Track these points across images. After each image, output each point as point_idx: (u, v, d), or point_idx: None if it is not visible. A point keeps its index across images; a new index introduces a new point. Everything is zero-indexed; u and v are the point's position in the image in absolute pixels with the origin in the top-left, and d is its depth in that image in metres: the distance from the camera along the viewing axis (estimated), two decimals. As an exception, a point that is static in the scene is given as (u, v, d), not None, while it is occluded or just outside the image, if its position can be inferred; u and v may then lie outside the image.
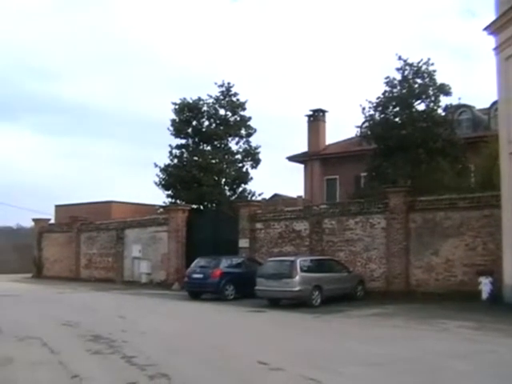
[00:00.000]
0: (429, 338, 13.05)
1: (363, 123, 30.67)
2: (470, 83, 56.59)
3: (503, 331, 13.77)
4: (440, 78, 28.97)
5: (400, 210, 23.24)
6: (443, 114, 29.67)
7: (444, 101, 29.43)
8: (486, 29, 20.48)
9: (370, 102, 29.68)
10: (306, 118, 41.22)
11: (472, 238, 21.57)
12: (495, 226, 20.33)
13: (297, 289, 19.26)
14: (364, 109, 29.81)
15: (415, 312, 17.80)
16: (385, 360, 10.14)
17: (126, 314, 17.43)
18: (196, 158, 34.09)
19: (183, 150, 35.05)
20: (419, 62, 28.91)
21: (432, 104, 29.08)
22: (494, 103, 26.45)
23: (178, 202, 33.03)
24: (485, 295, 19.78)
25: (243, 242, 27.83)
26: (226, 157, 34.54)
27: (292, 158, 41.83)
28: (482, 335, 13.28)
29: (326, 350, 11.32)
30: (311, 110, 41.04)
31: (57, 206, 45.84)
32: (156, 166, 34.31)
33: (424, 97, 28.96)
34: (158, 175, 34.30)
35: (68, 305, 21.06)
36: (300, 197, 39.01)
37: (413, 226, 23.11)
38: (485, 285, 19.89)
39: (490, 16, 20.60)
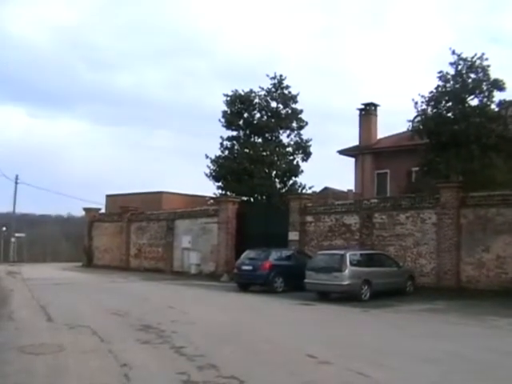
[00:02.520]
0: (480, 334, 13.09)
1: (415, 117, 30.36)
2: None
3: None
4: (494, 73, 28.53)
5: (451, 206, 23.11)
6: (497, 109, 29.18)
7: (498, 96, 28.98)
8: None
9: (422, 96, 29.41)
10: (358, 112, 41.04)
11: (524, 234, 21.35)
12: (547, 223, 20.07)
13: (346, 283, 19.38)
14: (416, 103, 29.54)
15: (465, 308, 17.77)
16: (435, 355, 10.20)
17: (176, 304, 17.67)
18: (247, 150, 34.41)
19: (234, 141, 35.44)
20: (473, 57, 28.50)
21: (485, 99, 28.61)
22: (550, 98, 25.90)
23: (229, 193, 33.40)
24: (537, 293, 19.64)
25: (293, 235, 28.01)
26: (277, 149, 34.76)
27: (343, 152, 41.69)
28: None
29: (375, 344, 11.44)
30: (363, 104, 40.81)
31: (108, 196, 46.67)
32: (207, 157, 34.86)
33: (477, 92, 28.52)
34: (208, 167, 34.83)
35: (118, 294, 21.33)
36: (350, 190, 38.93)
37: (464, 222, 22.96)
38: (536, 282, 19.76)
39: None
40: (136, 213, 37.81)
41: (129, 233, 37.67)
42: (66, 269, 35.87)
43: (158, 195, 41.56)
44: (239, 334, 12.49)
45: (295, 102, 35.14)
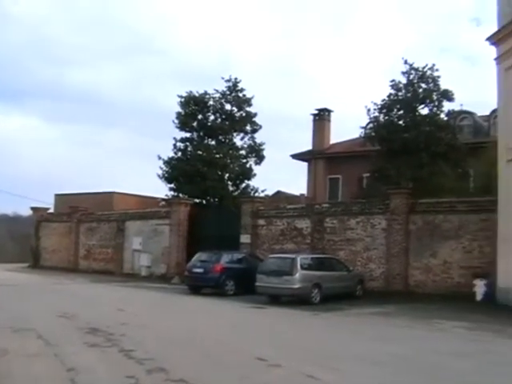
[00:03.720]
0: (427, 337, 13.39)
1: (368, 124, 30.94)
2: (473, 89, 56.91)
3: (497, 331, 14.17)
4: (444, 84, 29.35)
5: (401, 212, 23.58)
6: (446, 119, 30.03)
7: (447, 106, 29.87)
8: (488, 39, 20.96)
9: (375, 103, 30.04)
10: (312, 117, 41.46)
11: (469, 241, 22.05)
12: (492, 230, 20.79)
13: (297, 286, 19.52)
14: (369, 110, 30.14)
15: (413, 312, 18.11)
16: (384, 358, 10.38)
17: (125, 306, 17.46)
18: (200, 152, 34.24)
19: (187, 143, 35.19)
20: (424, 67, 29.29)
21: (435, 109, 29.45)
22: (494, 111, 26.83)
23: (181, 195, 33.23)
24: (479, 297, 20.38)
25: (245, 238, 28.09)
26: (231, 152, 34.70)
27: (296, 156, 42.04)
28: (478, 335, 13.65)
29: (324, 347, 11.58)
30: (317, 109, 41.28)
31: (57, 196, 45.23)
32: (160, 158, 34.48)
33: (428, 101, 29.33)
34: (161, 168, 34.44)
35: (66, 296, 20.82)
36: (303, 195, 39.28)
37: (413, 228, 23.46)
38: (479, 287, 20.51)
39: (494, 26, 20.97)
40: (86, 213, 37.10)
41: (78, 233, 36.91)
42: (11, 270, 34.66)
43: (109, 195, 40.84)
44: (190, 336, 12.43)
45: (250, 105, 35.18)
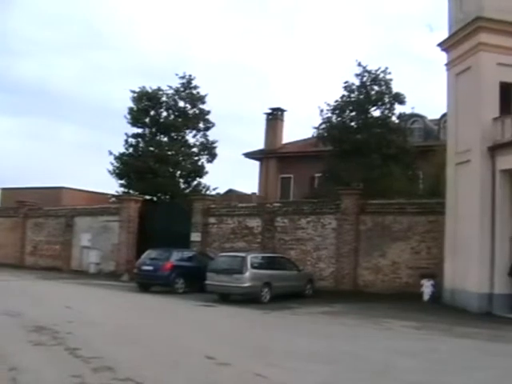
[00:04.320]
0: (375, 336, 13.59)
1: (320, 125, 31.18)
2: (425, 93, 57.96)
3: (442, 330, 14.51)
4: (396, 87, 29.87)
5: (351, 212, 23.85)
6: (397, 121, 30.54)
7: (398, 109, 30.38)
8: (439, 44, 21.40)
9: (328, 104, 30.31)
10: (265, 116, 41.56)
11: (417, 242, 22.51)
12: (439, 232, 21.27)
13: (247, 285, 19.53)
14: (322, 111, 30.40)
15: (361, 311, 18.35)
16: (331, 356, 10.47)
17: (73, 304, 17.00)
18: (152, 149, 33.92)
19: (139, 139, 34.78)
20: (377, 70, 29.73)
21: (387, 111, 29.92)
22: (444, 115, 27.41)
23: (132, 192, 32.87)
24: (426, 297, 20.83)
25: (195, 236, 27.98)
26: (183, 149, 34.47)
27: (248, 155, 42.07)
28: (423, 334, 13.94)
29: (273, 345, 11.58)
30: (270, 109, 41.39)
31: (3, 190, 44.21)
32: (110, 153, 33.97)
33: (380, 104, 29.77)
34: (112, 163, 33.95)
35: (11, 293, 20.09)
36: (254, 194, 39.35)
37: (363, 228, 23.76)
38: (426, 287, 20.96)
39: (445, 33, 21.45)
40: (33, 208, 36.21)
41: (24, 229, 36.00)
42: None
43: (58, 191, 40.08)
44: (138, 334, 12.29)
45: (203, 102, 35.00)
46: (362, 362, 10.11)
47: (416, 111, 35.35)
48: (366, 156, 28.05)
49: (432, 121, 36.36)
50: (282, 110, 41.69)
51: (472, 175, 19.27)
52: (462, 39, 20.19)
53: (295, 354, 10.72)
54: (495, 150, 18.65)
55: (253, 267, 20.00)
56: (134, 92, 34.44)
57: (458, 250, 19.70)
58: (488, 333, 14.41)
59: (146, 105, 34.42)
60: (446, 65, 21.29)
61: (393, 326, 15.12)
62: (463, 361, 10.62)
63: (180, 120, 34.42)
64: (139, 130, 34.84)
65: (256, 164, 41.86)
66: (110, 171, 34.00)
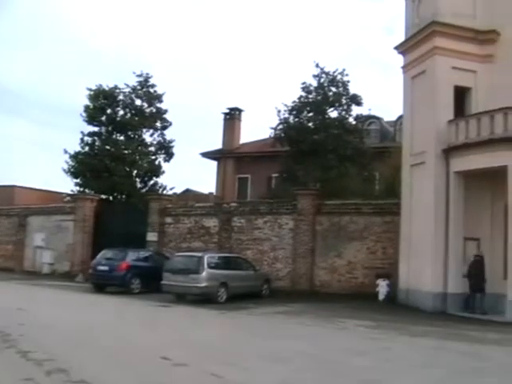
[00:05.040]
0: (330, 335, 13.72)
1: (278, 125, 31.28)
2: (382, 95, 58.71)
3: (397, 329, 14.72)
4: (354, 89, 30.21)
5: (308, 212, 23.97)
6: (354, 122, 30.85)
7: (355, 110, 30.71)
8: (396, 48, 21.73)
9: (285, 105, 30.43)
10: (223, 116, 41.48)
11: (373, 242, 22.76)
12: (394, 232, 21.59)
13: (203, 285, 19.44)
14: (279, 111, 30.49)
15: (317, 311, 18.48)
16: (288, 356, 10.48)
17: (25, 305, 16.63)
18: (108, 147, 33.47)
19: (95, 137, 34.29)
20: (335, 72, 30.00)
21: (344, 112, 30.21)
22: (400, 117, 27.81)
23: (87, 191, 32.42)
24: (381, 296, 21.09)
25: (151, 236, 27.78)
26: (140, 148, 34.13)
27: (206, 155, 41.92)
28: (378, 333, 14.08)
29: (229, 345, 11.58)
30: (228, 108, 41.32)
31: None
32: (66, 152, 33.41)
33: (337, 105, 30.03)
34: (67, 162, 33.39)
35: None
36: (211, 193, 39.22)
37: (319, 229, 23.91)
38: (382, 287, 21.23)
39: (403, 37, 21.76)
40: (-16, 207, 35.35)
41: (-25, 228, 35.11)
42: None
43: (10, 189, 39.04)
44: (92, 336, 12.09)
45: (160, 101, 34.72)
46: (317, 362, 10.15)
47: (373, 113, 35.82)
48: (322, 157, 28.25)
49: (388, 122, 36.86)
50: (240, 110, 41.67)
51: (427, 177, 19.62)
52: (417, 43, 20.55)
53: (251, 353, 10.72)
54: (449, 152, 19.02)
55: (209, 267, 19.93)
56: (90, 90, 33.95)
57: (413, 251, 20.03)
58: (442, 331, 14.68)
59: (102, 103, 33.93)
60: (403, 68, 21.63)
61: (348, 326, 15.26)
62: (417, 359, 10.77)
63: (137, 119, 34.08)
64: (95, 129, 34.35)
65: (213, 164, 41.78)
66: (65, 170, 33.44)
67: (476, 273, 18.13)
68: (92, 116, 33.79)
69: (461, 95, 19.96)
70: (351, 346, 12.06)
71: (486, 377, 9.36)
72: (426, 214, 19.41)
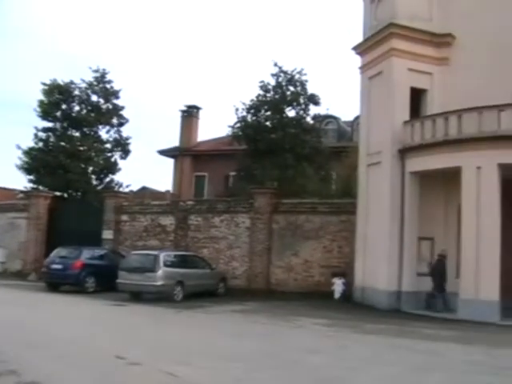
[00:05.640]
0: (286, 334, 13.73)
1: (235, 123, 31.22)
2: (340, 95, 59.27)
3: (352, 327, 14.88)
4: (312, 88, 30.36)
5: (264, 211, 24.02)
6: (311, 122, 31.03)
7: (313, 110, 30.87)
8: (354, 49, 21.94)
9: (243, 103, 30.41)
10: (180, 113, 41.21)
11: (329, 241, 22.97)
12: (350, 231, 21.81)
13: (159, 283, 19.29)
14: (237, 110, 30.46)
15: (274, 309, 18.53)
16: (244, 354, 10.48)
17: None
18: (63, 144, 32.94)
19: (50, 133, 33.69)
20: (293, 71, 30.09)
21: (302, 112, 30.33)
22: (357, 117, 28.09)
23: (41, 188, 31.80)
24: (337, 295, 21.30)
25: (107, 234, 27.47)
26: (95, 145, 33.66)
27: (163, 152, 41.62)
28: (334, 331, 14.24)
29: (185, 344, 11.48)
30: (186, 106, 41.08)
31: None
32: (19, 148, 32.72)
33: (295, 104, 30.14)
34: (20, 158, 32.71)
35: None
36: (168, 191, 38.92)
37: (276, 227, 23.98)
38: (338, 285, 21.41)
39: (361, 37, 21.99)
40: None
41: None
42: None
43: (-40, 186, 38.11)
44: (45, 336, 11.87)
45: (117, 97, 34.29)
46: (273, 360, 10.16)
47: (330, 112, 36.14)
48: (279, 155, 28.35)
49: (346, 122, 37.19)
50: (198, 108, 41.48)
51: (382, 176, 19.85)
52: (375, 44, 20.80)
53: (207, 352, 10.66)
54: (405, 152, 19.28)
55: (165, 265, 19.80)
56: (44, 84, 33.30)
57: (369, 249, 20.27)
58: (396, 329, 14.91)
59: (57, 98, 33.34)
60: (360, 68, 21.85)
61: (304, 324, 15.33)
62: (372, 357, 10.87)
63: (93, 115, 33.60)
64: (50, 124, 33.73)
65: (171, 162, 41.52)
66: (18, 166, 32.74)
67: (439, 272, 18.42)
68: (46, 111, 33.17)
69: (417, 96, 20.27)
70: (307, 344, 12.11)
71: (438, 373, 9.50)
72: (381, 213, 19.65)
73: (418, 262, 19.17)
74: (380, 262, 19.50)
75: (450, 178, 18.31)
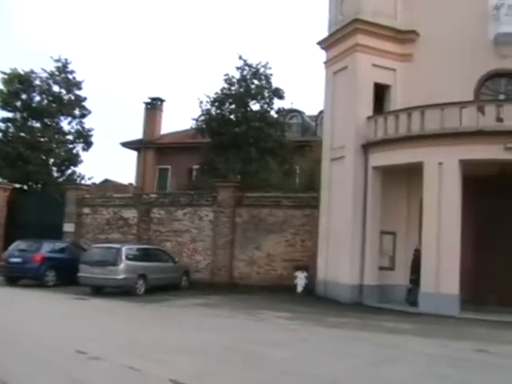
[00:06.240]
0: (249, 327, 13.76)
1: (199, 116, 31.09)
2: (305, 90, 59.49)
3: (314, 321, 14.96)
4: (276, 82, 30.43)
5: (228, 205, 23.98)
6: (276, 116, 31.10)
7: (277, 104, 30.94)
8: (319, 43, 22.02)
9: (207, 96, 30.31)
10: (144, 106, 40.85)
11: (292, 234, 23.04)
12: (313, 225, 21.93)
13: (121, 277, 19.11)
14: (201, 102, 30.37)
15: (236, 303, 18.53)
16: (205, 348, 10.43)
17: None
18: (23, 134, 32.37)
19: (9, 124, 33.08)
20: (258, 64, 30.09)
21: (266, 105, 30.38)
22: (321, 112, 28.20)
23: (0, 179, 31.20)
24: (299, 288, 21.41)
25: (68, 227, 27.09)
26: (57, 136, 33.17)
27: (126, 145, 41.22)
28: (297, 324, 14.27)
29: (148, 338, 11.38)
30: (149, 98, 40.71)
31: None
32: (-24, 138, 32.05)
33: (259, 98, 30.18)
34: (-23, 149, 32.02)
35: None
36: (131, 184, 38.59)
37: (239, 221, 23.97)
38: (300, 279, 21.52)
39: (326, 32, 22.07)
40: None
41: None
42: None
43: None
44: (3, 331, 11.60)
45: (79, 88, 33.80)
46: (235, 353, 10.14)
47: (295, 107, 36.28)
48: (243, 149, 28.36)
49: (310, 117, 37.34)
50: (162, 100, 41.13)
51: (346, 171, 19.99)
52: (339, 39, 20.90)
53: (169, 346, 10.59)
54: (368, 147, 19.45)
55: (127, 259, 19.62)
56: (4, 73, 32.63)
57: (331, 243, 20.41)
58: (358, 322, 15.04)
59: (17, 88, 32.70)
60: (325, 63, 21.93)
61: (267, 317, 15.36)
62: (335, 350, 10.96)
63: (54, 105, 33.07)
64: (9, 114, 33.10)
65: (134, 154, 41.14)
66: (-25, 157, 32.04)
67: (416, 267, 18.47)
68: (6, 101, 32.54)
69: (381, 92, 20.46)
70: (270, 337, 12.13)
71: (399, 365, 9.62)
72: (344, 207, 19.79)
73: (380, 256, 19.39)
74: (342, 255, 19.66)
75: (413, 174, 18.53)
